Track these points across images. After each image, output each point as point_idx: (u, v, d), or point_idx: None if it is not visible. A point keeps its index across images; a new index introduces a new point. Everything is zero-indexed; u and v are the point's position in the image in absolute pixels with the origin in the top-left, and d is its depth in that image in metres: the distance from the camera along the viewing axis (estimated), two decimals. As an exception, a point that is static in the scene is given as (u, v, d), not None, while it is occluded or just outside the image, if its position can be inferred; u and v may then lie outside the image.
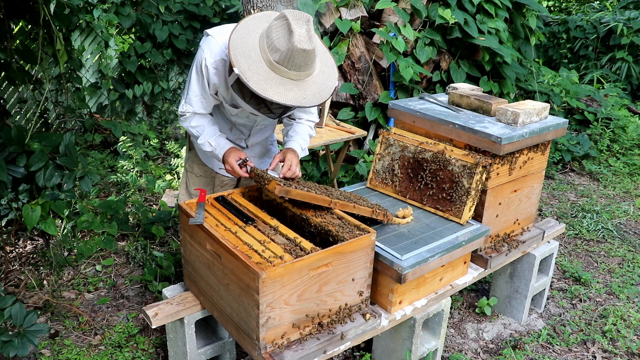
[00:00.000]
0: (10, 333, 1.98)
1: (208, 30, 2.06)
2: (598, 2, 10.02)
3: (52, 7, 3.48)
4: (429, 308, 2.14)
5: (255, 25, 1.90)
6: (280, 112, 2.02)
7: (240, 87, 1.90)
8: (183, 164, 4.31)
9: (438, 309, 2.19)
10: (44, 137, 2.54)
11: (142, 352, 2.45)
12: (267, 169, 2.05)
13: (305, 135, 2.27)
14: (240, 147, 2.35)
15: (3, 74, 3.70)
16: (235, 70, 1.79)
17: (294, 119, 2.30)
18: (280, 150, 2.26)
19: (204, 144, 2.15)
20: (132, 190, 3.99)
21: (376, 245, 1.96)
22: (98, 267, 3.12)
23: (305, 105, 1.86)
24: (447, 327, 2.76)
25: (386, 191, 2.50)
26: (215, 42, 2.01)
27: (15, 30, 3.76)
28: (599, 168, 5.03)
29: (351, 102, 4.50)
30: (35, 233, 3.28)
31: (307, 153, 2.30)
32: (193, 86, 2.09)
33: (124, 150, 4.34)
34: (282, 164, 2.11)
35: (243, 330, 1.75)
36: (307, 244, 1.76)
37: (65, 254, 3.19)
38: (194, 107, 2.12)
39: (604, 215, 4.08)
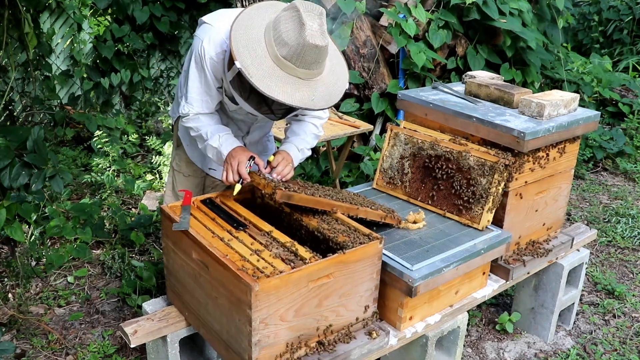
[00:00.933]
0: (-29, 353, 1.98)
1: (204, 18, 2.06)
2: (634, -21, 10.03)
3: (18, -16, 3.49)
4: (443, 324, 2.14)
5: (261, 15, 1.89)
6: (282, 113, 2.02)
7: (240, 83, 1.90)
8: (167, 162, 4.33)
9: (453, 325, 2.19)
10: (10, 131, 2.54)
11: (120, 374, 2.45)
12: (259, 171, 2.05)
13: (306, 135, 2.27)
14: None
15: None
16: (237, 64, 1.78)
17: (296, 117, 2.30)
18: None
19: (207, 147, 2.13)
20: (109, 191, 3.99)
21: (384, 254, 1.96)
22: (70, 279, 3.12)
23: (314, 108, 1.86)
24: (464, 346, 2.76)
25: (395, 193, 2.51)
26: (215, 31, 2.01)
27: (-23, 11, 3.77)
28: (635, 167, 5.03)
29: (355, 92, 4.51)
30: (-1, 240, 3.29)
31: (307, 155, 2.30)
32: (193, 84, 2.09)
33: (99, 146, 4.34)
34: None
35: (233, 349, 1.75)
36: (305, 252, 1.76)
37: (33, 263, 3.19)
38: (196, 108, 2.13)
39: (641, 219, 4.08)
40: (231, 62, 1.86)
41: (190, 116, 2.15)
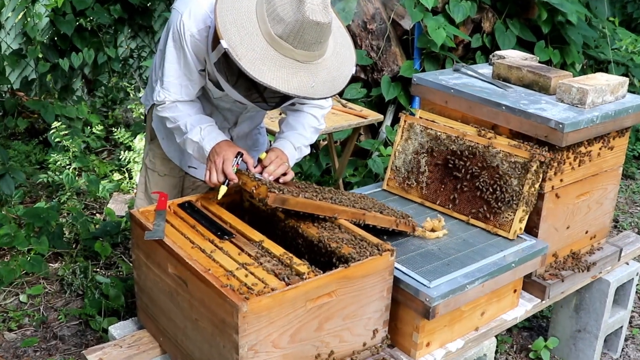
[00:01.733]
0: None
1: None
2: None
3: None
4: (467, 352, 2.14)
5: None
6: (276, 102, 2.03)
7: (226, 66, 1.90)
8: (138, 159, 4.33)
9: (479, 353, 2.18)
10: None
11: (82, 411, 2.45)
12: (247, 170, 2.05)
13: (305, 129, 2.27)
14: None
15: None
16: (223, 43, 1.79)
17: (293, 106, 2.29)
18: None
19: (187, 141, 2.13)
20: (69, 193, 3.99)
21: (396, 268, 1.96)
22: (22, 297, 3.12)
23: (314, 97, 1.87)
24: (491, 377, 2.76)
25: (409, 195, 2.51)
26: (196, 3, 2.01)
27: None
28: (695, 164, 5.03)
29: (362, 75, 4.51)
30: (-61, 251, 3.29)
31: (306, 153, 2.31)
32: (170, 65, 2.09)
33: (57, 140, 4.34)
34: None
35: (217, 381, 1.75)
36: (303, 266, 1.75)
37: (-21, 279, 3.19)
38: (173, 95, 2.13)
39: (702, 227, 4.08)
40: (216, 40, 1.86)
41: (167, 104, 2.14)
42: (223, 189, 2.03)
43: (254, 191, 1.93)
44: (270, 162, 2.07)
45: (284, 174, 2.08)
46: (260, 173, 2.05)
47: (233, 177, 2.01)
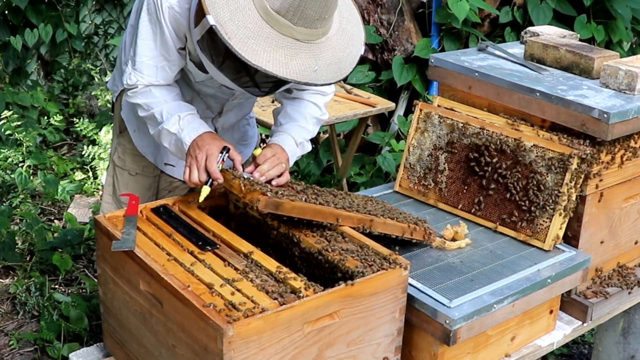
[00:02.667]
0: None
1: None
2: None
3: None
4: (494, 384, 2.16)
5: None
6: (269, 87, 2.04)
7: (212, 44, 1.91)
8: (105, 155, 4.33)
9: (508, 385, 2.20)
10: None
11: None
12: (234, 168, 2.06)
13: (307, 121, 2.28)
14: None
15: None
16: (210, 19, 1.79)
17: (289, 92, 2.31)
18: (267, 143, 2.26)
19: (162, 132, 2.13)
20: (22, 196, 4.00)
21: (410, 285, 1.96)
22: (-33, 320, 3.13)
23: (316, 83, 1.88)
24: (524, 414, 2.76)
25: (426, 198, 2.52)
26: None
27: None
28: None
29: (370, 56, 4.52)
30: None
31: (308, 149, 2.32)
32: (144, 44, 2.10)
33: (7, 132, 4.36)
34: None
35: (198, 418, 1.76)
36: (299, 282, 1.76)
37: None
38: (147, 78, 2.13)
39: None
40: (200, 14, 1.87)
41: (139, 89, 2.15)
42: (205, 190, 2.03)
43: (242, 194, 1.94)
44: (265, 160, 2.07)
45: (279, 175, 2.08)
46: (251, 173, 2.05)
47: (218, 176, 2.01)
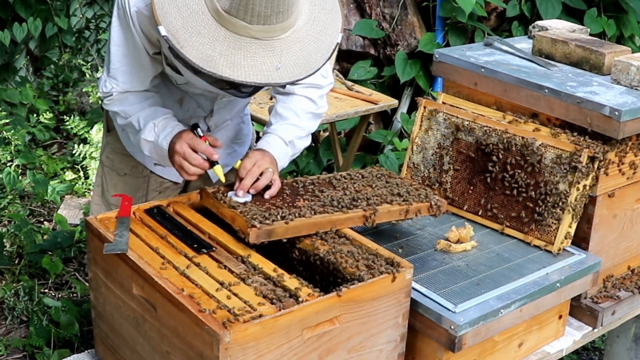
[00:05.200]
0: None
1: None
2: None
3: None
4: (501, 392, 2.15)
5: None
6: (250, 89, 2.03)
7: (174, 53, 1.89)
8: (96, 154, 4.33)
9: (516, 393, 2.19)
10: None
11: None
12: (219, 187, 2.03)
13: (299, 117, 2.26)
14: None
15: None
16: (162, 30, 1.78)
17: (281, 87, 2.28)
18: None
19: (141, 142, 2.13)
20: (10, 196, 3.99)
21: (414, 289, 1.96)
22: (-47, 325, 3.13)
23: (280, 82, 1.85)
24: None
25: (430, 199, 2.51)
26: None
27: None
28: None
29: (372, 51, 4.52)
30: None
31: (305, 146, 2.30)
32: (117, 50, 2.10)
33: (-5, 130, 4.35)
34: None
35: None
36: (298, 286, 1.75)
37: None
38: (122, 84, 2.12)
39: None
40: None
41: (115, 96, 2.15)
42: (219, 168, 2.04)
43: (231, 223, 1.93)
44: (246, 172, 2.02)
45: (268, 186, 2.04)
46: (236, 190, 2.01)
47: (211, 151, 2.02)
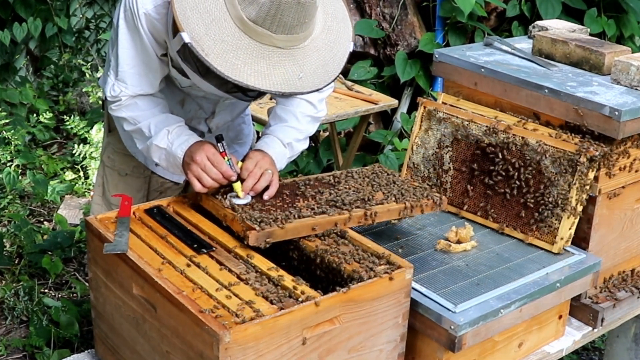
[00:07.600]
0: None
1: None
2: None
3: None
4: (501, 392, 2.15)
5: None
6: (255, 93, 2.03)
7: (191, 57, 1.89)
8: (96, 154, 4.33)
9: (516, 393, 2.20)
10: None
11: None
12: (222, 192, 2.04)
13: (298, 120, 2.27)
14: (199, 132, 2.36)
15: None
16: (185, 36, 1.78)
17: None
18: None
19: (152, 148, 2.12)
20: (10, 196, 4.00)
21: (413, 289, 1.96)
22: (-47, 325, 3.13)
23: (303, 91, 1.87)
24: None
25: (430, 199, 2.51)
26: None
27: None
28: None
29: (372, 51, 4.52)
30: None
31: (303, 148, 2.31)
32: (124, 52, 2.09)
33: (-5, 131, 4.36)
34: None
35: None
36: (298, 286, 1.76)
37: None
38: (131, 88, 2.12)
39: None
40: (176, 28, 1.86)
41: (123, 100, 2.14)
42: (238, 185, 2.01)
43: (234, 227, 1.94)
44: (248, 173, 2.04)
45: (268, 186, 2.06)
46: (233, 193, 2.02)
47: (230, 174, 1.99)
